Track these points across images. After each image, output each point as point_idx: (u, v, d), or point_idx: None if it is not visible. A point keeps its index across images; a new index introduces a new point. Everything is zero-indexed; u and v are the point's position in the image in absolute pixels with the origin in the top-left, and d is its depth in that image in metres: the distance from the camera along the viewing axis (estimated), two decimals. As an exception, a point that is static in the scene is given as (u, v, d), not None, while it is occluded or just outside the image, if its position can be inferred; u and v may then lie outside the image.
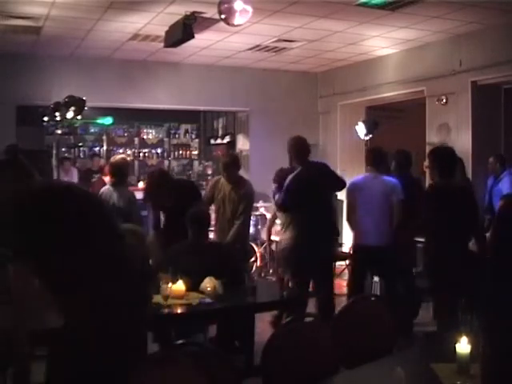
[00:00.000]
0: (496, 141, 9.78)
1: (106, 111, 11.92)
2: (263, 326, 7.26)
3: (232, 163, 7.44)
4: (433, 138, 10.14)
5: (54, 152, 9.86)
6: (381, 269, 7.23)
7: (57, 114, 8.75)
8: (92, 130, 14.44)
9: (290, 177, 6.83)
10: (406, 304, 6.89)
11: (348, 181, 7.27)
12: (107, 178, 8.76)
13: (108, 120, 12.23)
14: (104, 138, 14.54)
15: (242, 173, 12.99)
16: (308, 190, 6.73)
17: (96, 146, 14.46)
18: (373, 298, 4.94)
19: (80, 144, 14.23)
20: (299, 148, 7.01)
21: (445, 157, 6.19)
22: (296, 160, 6.99)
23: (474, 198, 6.24)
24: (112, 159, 7.62)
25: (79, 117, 8.79)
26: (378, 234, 6.86)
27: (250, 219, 7.91)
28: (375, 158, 7.19)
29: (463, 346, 3.13)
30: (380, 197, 6.93)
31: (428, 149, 9.07)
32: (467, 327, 3.28)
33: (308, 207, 6.71)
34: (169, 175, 7.55)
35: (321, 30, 9.35)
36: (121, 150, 14.46)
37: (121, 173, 7.30)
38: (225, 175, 7.42)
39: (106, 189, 7.31)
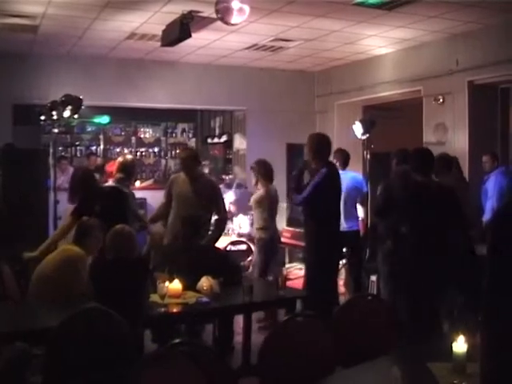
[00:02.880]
0: (492, 140, 9.79)
1: (102, 110, 11.92)
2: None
3: (191, 158, 7.18)
4: (430, 137, 10.15)
5: (51, 151, 9.86)
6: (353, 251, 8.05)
7: (53, 112, 8.74)
8: (89, 129, 14.41)
9: (319, 176, 6.65)
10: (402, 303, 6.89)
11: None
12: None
13: (105, 119, 12.24)
14: (101, 136, 14.53)
15: (239, 171, 13.18)
16: (335, 192, 6.82)
17: (93, 145, 14.45)
18: (369, 297, 4.94)
19: (77, 143, 14.22)
20: (324, 145, 6.89)
21: (422, 155, 6.24)
22: (318, 159, 6.77)
23: (456, 197, 6.22)
24: (121, 158, 7.63)
25: (76, 116, 8.78)
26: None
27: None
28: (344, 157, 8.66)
29: (460, 346, 3.14)
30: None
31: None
32: (464, 326, 3.28)
33: (335, 210, 6.77)
34: (92, 179, 7.23)
35: (318, 30, 9.35)
36: (118, 149, 14.46)
37: (126, 171, 7.32)
38: (184, 170, 7.16)
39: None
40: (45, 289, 5.12)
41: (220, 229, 7.18)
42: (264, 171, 8.09)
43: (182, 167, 7.30)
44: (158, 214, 7.39)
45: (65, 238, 6.34)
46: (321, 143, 6.86)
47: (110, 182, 7.43)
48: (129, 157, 7.98)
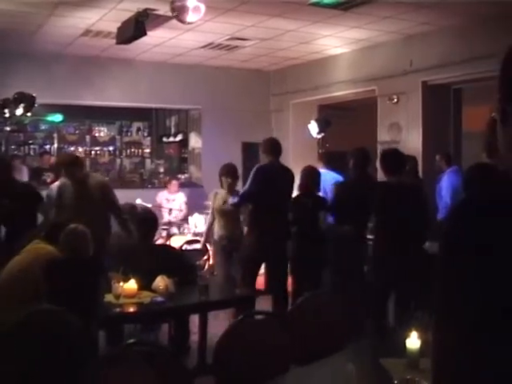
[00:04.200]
0: (445, 140, 9.94)
1: (56, 108, 11.76)
2: (216, 324, 7.27)
3: (69, 164, 6.91)
4: (384, 136, 10.25)
5: (3, 149, 9.72)
6: None
7: (6, 110, 8.62)
8: (42, 128, 14.21)
9: (255, 168, 7.01)
10: (357, 300, 6.95)
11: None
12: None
13: (58, 117, 12.07)
14: (55, 135, 14.34)
15: (194, 171, 13.14)
16: (271, 182, 6.87)
17: (46, 144, 14.25)
18: (325, 295, 4.97)
19: (30, 141, 14.01)
20: (274, 146, 7.20)
21: (388, 156, 6.32)
22: (269, 156, 7.09)
23: (423, 196, 6.32)
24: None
25: (29, 114, 8.67)
26: None
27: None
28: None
29: (413, 342, 3.18)
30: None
31: (379, 147, 9.20)
32: (417, 323, 3.32)
33: (270, 202, 6.80)
34: (4, 170, 6.91)
35: (273, 29, 9.38)
36: (72, 148, 14.30)
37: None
38: (66, 177, 6.92)
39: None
40: (13, 287, 5.02)
41: (123, 225, 7.00)
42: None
43: (63, 174, 7.07)
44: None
45: None
46: (269, 145, 7.21)
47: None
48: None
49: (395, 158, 6.29)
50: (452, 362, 1.11)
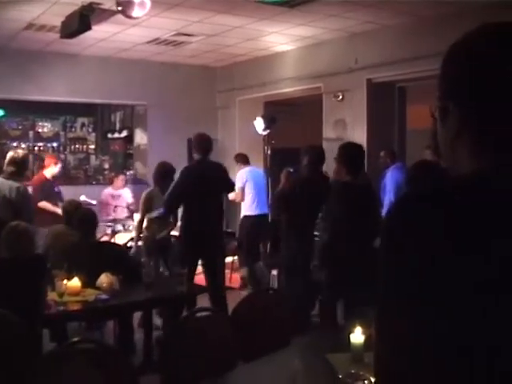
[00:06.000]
0: (389, 137, 10.07)
1: (-2, 103, 11.55)
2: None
3: None
4: (329, 133, 10.34)
5: None
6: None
7: None
8: (-17, 123, 13.93)
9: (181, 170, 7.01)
10: (303, 296, 6.99)
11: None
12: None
13: (-1, 112, 11.84)
14: (-4, 130, 14.07)
15: (139, 167, 13.03)
16: (200, 184, 6.84)
17: (-12, 139, 13.98)
18: (270, 291, 4.99)
19: (-30, 137, 13.72)
20: (203, 143, 7.12)
21: (355, 154, 6.25)
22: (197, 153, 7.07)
23: (377, 196, 6.38)
24: (14, 153, 7.38)
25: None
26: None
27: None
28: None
29: (357, 336, 3.23)
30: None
31: (324, 144, 9.26)
32: (361, 318, 3.36)
33: (199, 201, 6.76)
34: None
35: (220, 25, 9.36)
36: (15, 144, 14.04)
37: (18, 165, 7.09)
38: None
39: None
40: None
41: None
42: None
43: None
44: None
45: None
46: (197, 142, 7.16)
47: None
48: (20, 151, 7.74)
49: (361, 157, 6.27)
50: (393, 356, 1.12)
